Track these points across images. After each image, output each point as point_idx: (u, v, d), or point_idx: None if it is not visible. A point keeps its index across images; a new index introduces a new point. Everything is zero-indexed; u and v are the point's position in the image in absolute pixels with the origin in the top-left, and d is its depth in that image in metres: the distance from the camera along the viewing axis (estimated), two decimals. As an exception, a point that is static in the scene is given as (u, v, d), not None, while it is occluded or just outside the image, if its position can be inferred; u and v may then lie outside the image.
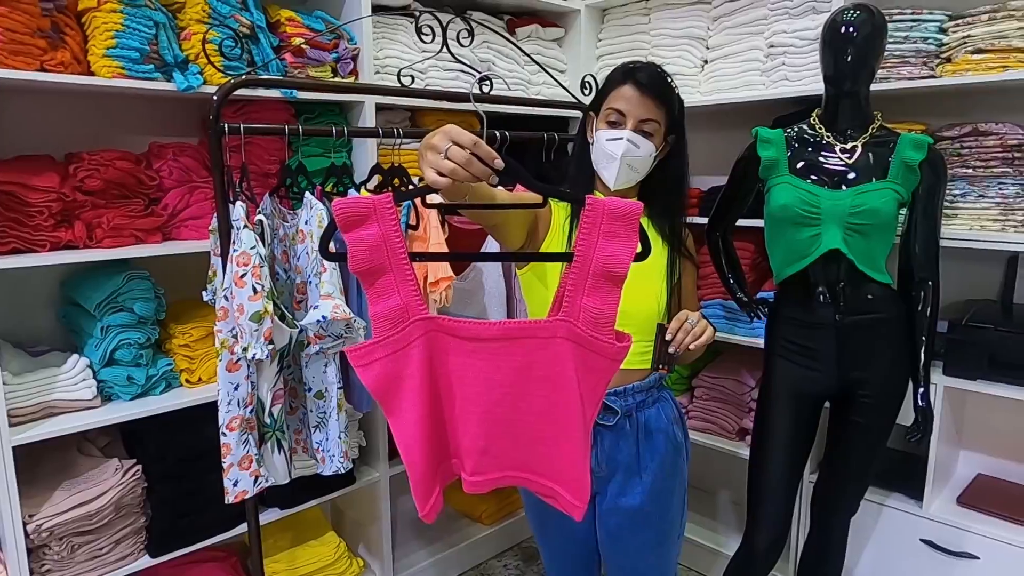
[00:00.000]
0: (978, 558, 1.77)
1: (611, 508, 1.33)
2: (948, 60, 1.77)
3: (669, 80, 1.27)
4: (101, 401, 1.63)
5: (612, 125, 1.26)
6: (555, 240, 1.28)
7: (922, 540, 1.85)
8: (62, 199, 1.55)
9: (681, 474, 1.36)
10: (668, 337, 1.13)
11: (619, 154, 1.24)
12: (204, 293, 1.65)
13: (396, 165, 1.70)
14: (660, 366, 1.16)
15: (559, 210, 1.31)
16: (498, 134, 1.83)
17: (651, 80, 1.23)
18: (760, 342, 1.74)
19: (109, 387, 1.64)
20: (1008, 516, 1.79)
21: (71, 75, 1.50)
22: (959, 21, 1.75)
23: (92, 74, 1.53)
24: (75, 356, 1.61)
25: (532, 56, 2.14)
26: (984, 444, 2.06)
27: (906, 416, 1.64)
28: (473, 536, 2.49)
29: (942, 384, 1.78)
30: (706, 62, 2.25)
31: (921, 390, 1.60)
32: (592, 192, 1.31)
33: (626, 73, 1.26)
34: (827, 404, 1.72)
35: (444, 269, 1.49)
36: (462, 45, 1.86)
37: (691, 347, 1.14)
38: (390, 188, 1.70)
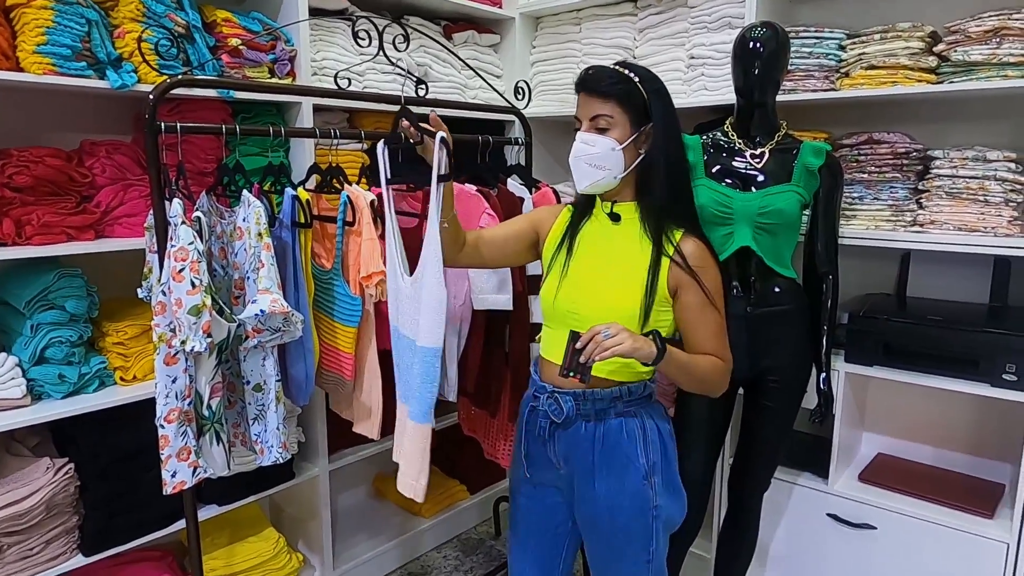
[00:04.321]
0: (876, 528, 1.94)
1: (577, 508, 1.38)
2: (847, 75, 1.94)
3: (620, 72, 1.27)
4: (31, 400, 1.61)
5: (575, 134, 1.32)
6: (554, 236, 1.41)
7: (828, 514, 2.02)
8: (-11, 195, 1.54)
9: (649, 502, 1.30)
10: (579, 346, 1.11)
11: (573, 156, 1.29)
12: (139, 290, 1.65)
13: (334, 165, 1.74)
14: (570, 374, 1.13)
15: (564, 213, 1.43)
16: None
17: (594, 79, 1.28)
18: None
19: (40, 386, 1.63)
20: (901, 489, 1.97)
21: (-1, 70, 1.49)
22: (855, 39, 1.92)
23: (22, 70, 1.52)
24: (3, 355, 1.59)
25: (468, 61, 2.22)
26: (884, 426, 2.25)
27: (811, 400, 1.79)
28: (413, 529, 2.54)
29: (844, 370, 1.94)
30: (633, 71, 2.37)
31: (823, 375, 1.76)
32: (593, 204, 1.39)
33: (576, 85, 1.31)
34: (741, 391, 1.86)
35: (375, 264, 1.53)
36: (398, 50, 1.92)
37: (597, 359, 1.12)
38: (327, 188, 1.75)
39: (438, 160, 1.29)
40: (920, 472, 2.08)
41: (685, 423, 1.78)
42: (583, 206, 1.41)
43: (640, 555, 1.34)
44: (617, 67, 1.29)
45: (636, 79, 1.28)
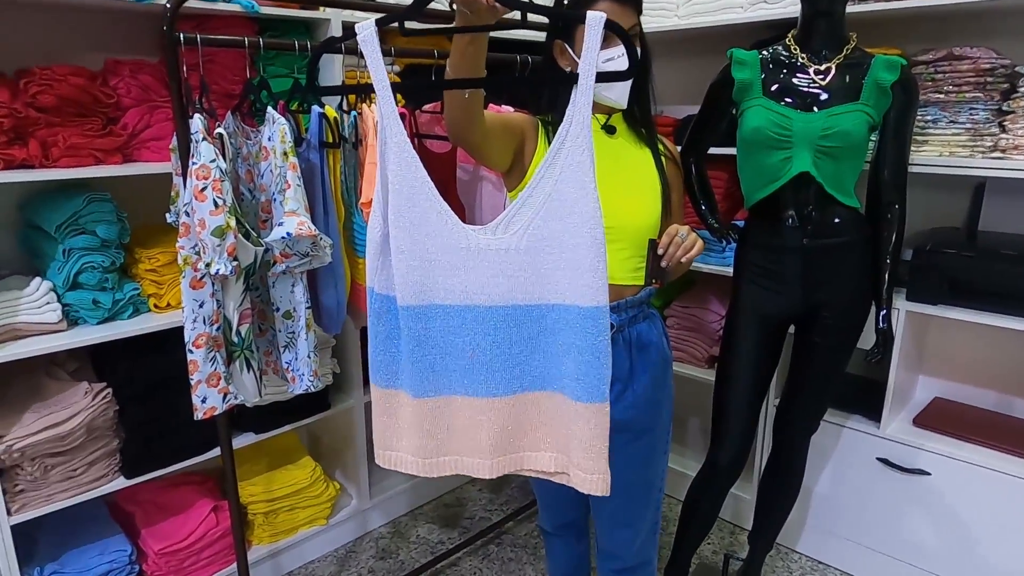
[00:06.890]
0: (930, 474, 1.85)
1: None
2: (927, -20, 1.74)
3: None
4: (67, 325, 1.61)
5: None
6: (541, 157, 1.26)
7: (878, 458, 1.93)
8: (14, 115, 1.50)
9: (669, 387, 1.39)
10: (660, 252, 1.17)
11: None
12: (168, 215, 1.61)
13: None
14: (653, 280, 1.21)
15: (543, 136, 1.29)
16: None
17: None
18: (730, 271, 1.76)
19: (75, 311, 1.62)
20: (959, 435, 1.86)
21: (16, -18, 1.42)
22: (940, -61, 1.71)
23: (39, -18, 1.45)
24: (37, 279, 1.58)
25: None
26: (943, 369, 2.12)
27: (867, 340, 1.68)
28: (448, 462, 2.54)
29: (904, 309, 1.82)
30: (685, -16, 2.19)
31: (883, 312, 1.64)
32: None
33: None
34: (792, 329, 1.75)
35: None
36: (431, -41, 1.79)
37: (682, 260, 1.16)
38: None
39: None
40: (980, 417, 1.97)
41: (730, 361, 1.70)
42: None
43: (663, 447, 1.40)
44: None
45: None
